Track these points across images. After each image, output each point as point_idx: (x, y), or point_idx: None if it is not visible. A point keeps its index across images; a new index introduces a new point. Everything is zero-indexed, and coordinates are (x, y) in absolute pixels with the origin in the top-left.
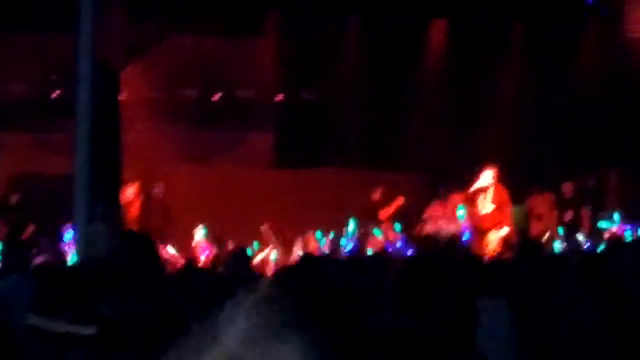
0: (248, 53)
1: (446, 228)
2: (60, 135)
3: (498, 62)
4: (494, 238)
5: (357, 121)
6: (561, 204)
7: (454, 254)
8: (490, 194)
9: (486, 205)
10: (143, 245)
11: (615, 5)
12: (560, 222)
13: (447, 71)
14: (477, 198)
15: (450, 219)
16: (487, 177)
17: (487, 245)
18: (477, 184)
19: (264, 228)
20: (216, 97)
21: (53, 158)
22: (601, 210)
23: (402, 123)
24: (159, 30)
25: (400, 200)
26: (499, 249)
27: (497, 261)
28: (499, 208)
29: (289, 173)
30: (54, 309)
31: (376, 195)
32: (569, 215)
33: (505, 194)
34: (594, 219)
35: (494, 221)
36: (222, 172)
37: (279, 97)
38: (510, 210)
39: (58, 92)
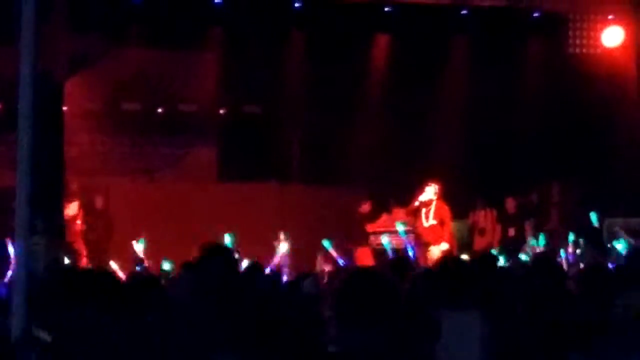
0: (191, 67)
1: (391, 242)
2: (2, 148)
3: (441, 77)
4: (435, 252)
5: (300, 135)
6: (504, 219)
7: (403, 267)
8: (432, 209)
9: (428, 220)
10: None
11: (559, 21)
12: (504, 237)
13: (391, 86)
14: (419, 212)
15: (395, 233)
16: (429, 192)
17: (429, 259)
18: (420, 198)
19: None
20: (160, 110)
21: None
22: (544, 224)
23: (345, 137)
24: (103, 43)
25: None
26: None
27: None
28: (440, 223)
29: (232, 187)
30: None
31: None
32: (512, 231)
33: (446, 210)
34: (537, 234)
35: (435, 236)
36: (165, 185)
37: (222, 111)
38: (450, 225)
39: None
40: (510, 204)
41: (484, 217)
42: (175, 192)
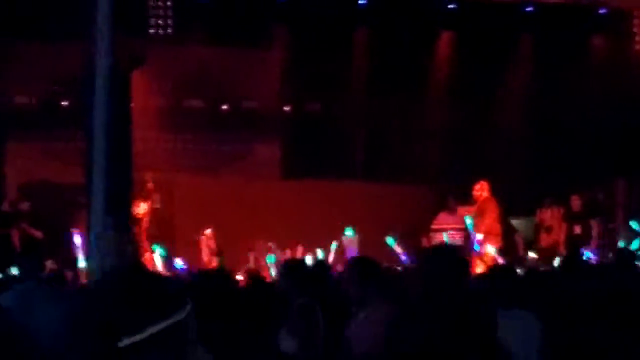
0: (255, 64)
1: (455, 239)
2: (66, 144)
3: (506, 74)
4: (489, 250)
5: (362, 132)
6: (570, 217)
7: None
8: (483, 208)
9: (483, 219)
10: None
11: (624, 17)
12: (569, 235)
13: (454, 83)
14: (475, 211)
15: (459, 230)
16: (477, 189)
17: (484, 257)
18: (476, 197)
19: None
20: (223, 107)
21: (60, 166)
22: (610, 222)
23: (408, 134)
24: (168, 40)
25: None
26: (491, 262)
27: (530, 272)
28: (479, 215)
29: (295, 184)
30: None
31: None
32: (578, 229)
33: (491, 204)
34: (603, 232)
35: (489, 234)
36: (229, 182)
37: (286, 108)
38: (491, 219)
39: (65, 101)
40: (576, 202)
41: (550, 215)
42: (238, 189)
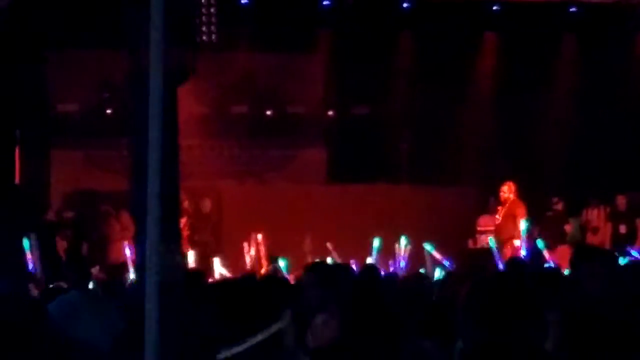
0: (300, 69)
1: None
2: (110, 152)
3: (550, 75)
4: (509, 249)
5: (408, 136)
6: (615, 217)
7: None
8: (506, 207)
9: (500, 217)
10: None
11: None
12: (615, 235)
13: (499, 85)
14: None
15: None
16: (505, 191)
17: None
18: (503, 199)
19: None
20: (268, 113)
21: (104, 175)
22: None
23: (454, 137)
24: (212, 47)
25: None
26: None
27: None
28: (511, 220)
29: (341, 188)
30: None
31: None
32: (623, 229)
33: (521, 207)
34: None
35: (507, 232)
36: (274, 187)
37: (331, 112)
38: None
39: (110, 109)
40: (621, 201)
41: (596, 215)
42: (284, 194)
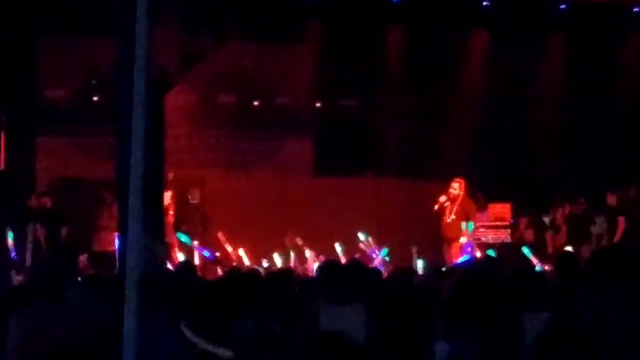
0: (288, 60)
1: (486, 236)
2: (97, 140)
3: (541, 73)
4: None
5: (396, 129)
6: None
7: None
8: (455, 205)
9: (450, 216)
10: None
11: None
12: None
13: (488, 79)
14: (445, 209)
15: (489, 227)
16: (455, 188)
17: (450, 256)
18: (452, 196)
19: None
20: (255, 103)
21: (90, 162)
22: None
23: (441, 130)
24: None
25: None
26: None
27: (541, 273)
28: (463, 219)
29: (328, 180)
30: (196, 325)
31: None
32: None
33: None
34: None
35: (455, 231)
36: (260, 179)
37: (318, 104)
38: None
39: (97, 96)
40: (612, 198)
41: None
42: (270, 185)
